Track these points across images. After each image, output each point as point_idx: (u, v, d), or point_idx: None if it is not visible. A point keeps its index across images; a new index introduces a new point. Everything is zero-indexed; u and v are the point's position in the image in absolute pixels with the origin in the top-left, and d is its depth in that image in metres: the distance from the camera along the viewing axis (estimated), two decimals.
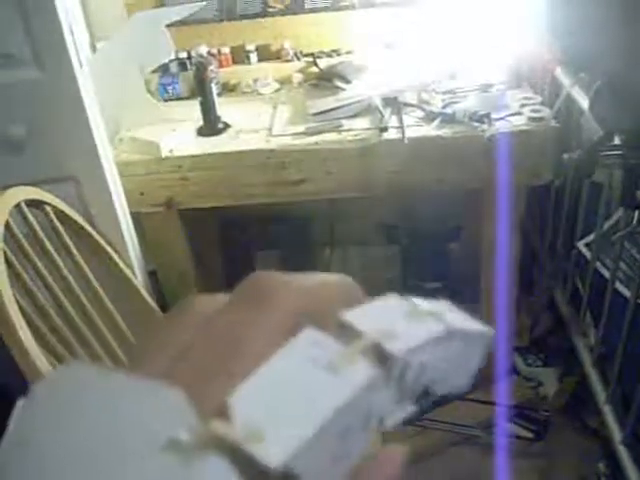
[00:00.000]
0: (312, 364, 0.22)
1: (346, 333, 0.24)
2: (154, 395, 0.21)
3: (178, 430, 0.20)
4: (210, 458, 0.19)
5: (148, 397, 0.21)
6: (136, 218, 1.99)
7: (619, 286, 1.82)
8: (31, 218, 1.56)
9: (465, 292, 2.48)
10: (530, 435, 2.16)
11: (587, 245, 2.03)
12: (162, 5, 2.38)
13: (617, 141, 1.51)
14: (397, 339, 0.24)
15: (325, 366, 0.22)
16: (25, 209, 1.55)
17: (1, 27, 1.55)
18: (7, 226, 1.44)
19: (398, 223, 2.61)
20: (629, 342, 1.72)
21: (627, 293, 1.76)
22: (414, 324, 0.25)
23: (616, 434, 1.79)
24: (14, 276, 1.40)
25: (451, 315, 0.27)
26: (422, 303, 0.27)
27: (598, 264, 1.94)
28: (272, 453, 0.20)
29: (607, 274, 1.88)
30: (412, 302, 0.27)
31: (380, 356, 0.23)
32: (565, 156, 1.59)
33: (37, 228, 1.56)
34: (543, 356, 2.38)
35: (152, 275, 2.16)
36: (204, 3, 2.24)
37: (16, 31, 1.55)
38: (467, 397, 2.30)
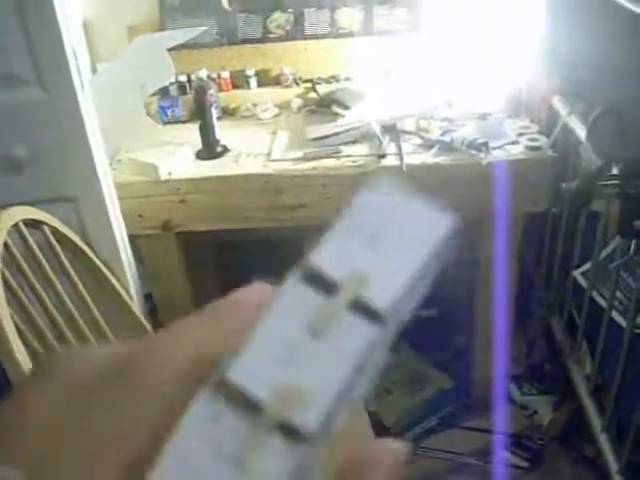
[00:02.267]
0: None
1: (320, 283, 0.23)
2: None
3: None
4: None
5: None
6: (133, 240, 1.99)
7: (615, 315, 1.82)
8: (29, 238, 1.56)
9: (460, 320, 2.48)
10: (525, 464, 2.15)
11: (583, 274, 2.04)
12: (163, 29, 2.40)
13: (615, 171, 1.52)
14: (373, 285, 0.23)
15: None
16: (23, 229, 1.55)
17: (4, 47, 1.56)
18: (5, 246, 1.44)
19: None
20: (625, 371, 1.72)
21: (623, 322, 1.76)
22: (383, 257, 0.24)
23: (612, 463, 1.78)
24: (11, 296, 1.40)
25: (408, 226, 0.25)
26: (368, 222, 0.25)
27: (594, 293, 1.94)
28: (308, 419, 0.20)
29: (603, 303, 1.88)
30: (367, 226, 0.25)
31: (365, 312, 0.23)
32: (563, 185, 1.59)
33: (35, 248, 1.56)
34: (538, 384, 2.37)
35: (148, 297, 2.16)
36: (205, 27, 2.26)
37: (19, 52, 1.56)
38: (463, 425, 2.29)
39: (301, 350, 0.22)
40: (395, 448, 0.25)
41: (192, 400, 0.21)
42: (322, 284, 0.23)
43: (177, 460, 0.20)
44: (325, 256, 0.24)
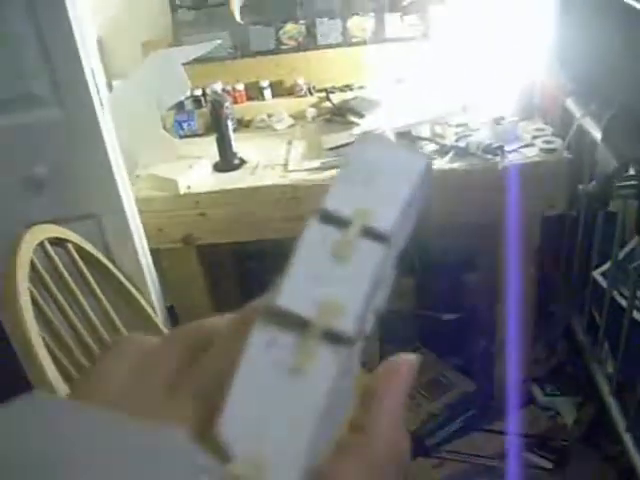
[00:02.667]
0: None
1: (335, 220, 0.28)
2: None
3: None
4: None
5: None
6: (154, 253, 2.01)
7: (636, 314, 1.83)
8: (54, 256, 1.58)
9: (481, 323, 2.48)
10: (550, 465, 2.16)
11: (603, 274, 2.04)
12: (177, 43, 2.43)
13: (632, 171, 1.53)
14: (375, 215, 0.28)
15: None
16: (48, 247, 1.58)
17: (24, 69, 1.59)
18: (32, 265, 1.47)
19: (412, 254, 2.63)
20: None
21: None
22: (379, 193, 0.30)
23: (637, 462, 1.78)
24: (39, 314, 1.42)
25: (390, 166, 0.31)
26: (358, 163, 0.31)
27: (614, 293, 1.95)
28: (346, 325, 0.25)
29: (624, 303, 1.88)
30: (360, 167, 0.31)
31: (373, 236, 0.28)
32: (580, 188, 1.60)
33: (60, 266, 1.59)
34: (560, 385, 2.37)
35: (169, 310, 2.18)
36: (220, 41, 2.29)
37: (39, 72, 1.59)
38: (486, 428, 2.30)
39: (330, 273, 0.27)
40: (410, 358, 0.30)
41: (247, 336, 0.25)
42: (336, 221, 0.28)
43: (246, 384, 0.24)
44: (334, 200, 0.29)
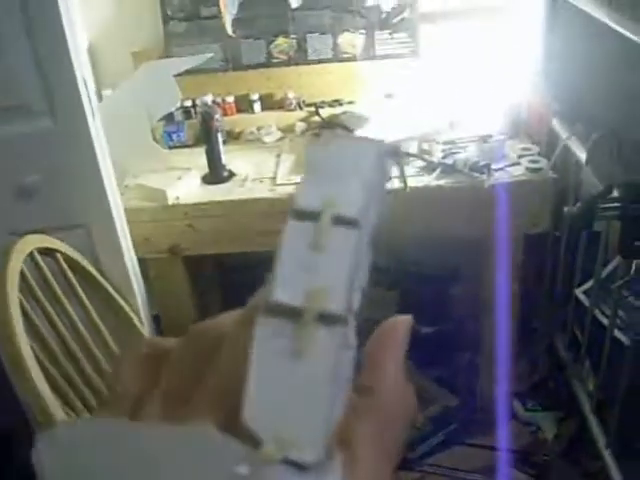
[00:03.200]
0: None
1: (306, 215, 0.31)
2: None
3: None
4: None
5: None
6: (141, 263, 2.01)
7: (617, 333, 1.85)
8: (44, 266, 1.59)
9: (464, 337, 2.50)
10: None
11: (585, 292, 2.07)
12: (168, 54, 2.44)
13: (616, 193, 1.56)
14: (342, 203, 0.31)
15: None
16: (38, 257, 1.58)
17: (17, 78, 1.60)
18: (22, 275, 1.47)
19: (397, 268, 2.64)
20: (628, 388, 1.75)
21: (625, 340, 1.79)
22: (341, 183, 0.33)
23: (617, 479, 1.81)
24: (28, 324, 1.43)
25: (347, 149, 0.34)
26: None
27: (596, 311, 1.97)
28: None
29: (605, 321, 1.91)
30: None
31: (344, 222, 0.31)
32: (565, 209, 1.63)
33: (49, 276, 1.59)
34: (542, 400, 2.40)
35: (155, 319, 2.18)
36: (212, 54, 2.30)
37: (31, 83, 1.60)
38: (468, 442, 2.31)
39: (312, 263, 0.29)
40: (404, 318, 0.33)
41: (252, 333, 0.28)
42: (308, 216, 0.31)
43: (259, 376, 0.27)
44: (303, 197, 0.32)
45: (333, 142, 0.34)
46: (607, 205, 1.53)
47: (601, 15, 1.71)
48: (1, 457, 2.04)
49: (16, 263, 1.46)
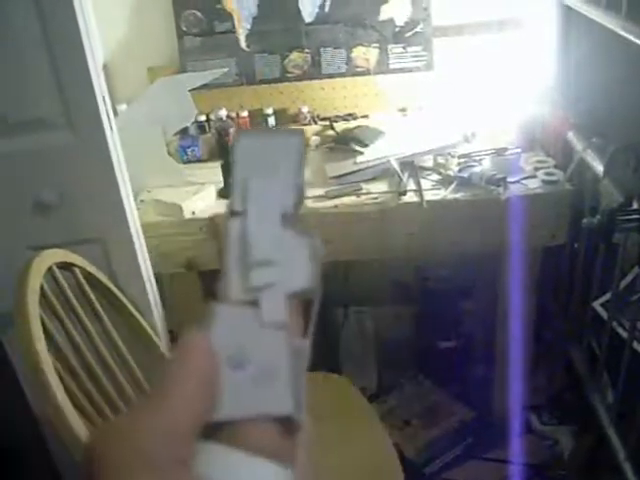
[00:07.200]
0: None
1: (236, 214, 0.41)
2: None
3: None
4: None
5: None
6: (157, 278, 2.01)
7: (636, 345, 1.84)
8: (62, 281, 1.59)
9: (480, 351, 2.50)
10: None
11: (603, 304, 2.06)
12: (183, 70, 2.45)
13: (635, 205, 1.55)
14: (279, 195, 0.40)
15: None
16: (57, 272, 1.58)
17: (36, 92, 1.60)
18: (41, 290, 1.47)
19: (413, 283, 2.64)
20: None
21: None
22: (271, 175, 0.41)
23: None
24: (47, 339, 1.43)
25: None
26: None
27: (614, 323, 1.96)
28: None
29: (623, 333, 1.90)
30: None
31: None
32: (584, 221, 1.62)
33: (68, 291, 1.59)
34: (559, 414, 2.38)
35: (170, 334, 2.18)
36: (227, 69, 2.31)
37: (50, 97, 1.60)
38: (484, 456, 2.30)
39: (250, 254, 0.40)
40: (201, 340, 0.38)
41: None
42: (238, 214, 0.41)
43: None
44: (234, 197, 0.41)
45: (259, 136, 0.41)
46: (627, 217, 1.53)
47: (615, 26, 1.71)
48: (11, 472, 2.04)
49: (36, 278, 1.46)
